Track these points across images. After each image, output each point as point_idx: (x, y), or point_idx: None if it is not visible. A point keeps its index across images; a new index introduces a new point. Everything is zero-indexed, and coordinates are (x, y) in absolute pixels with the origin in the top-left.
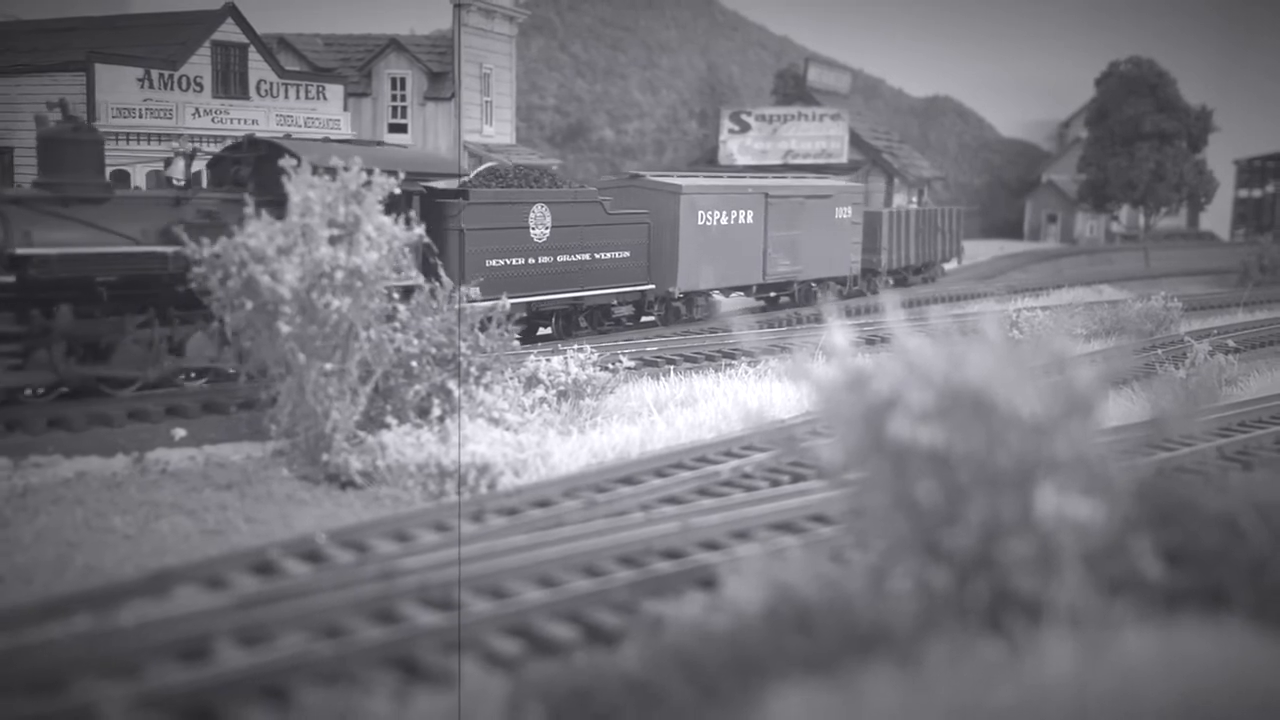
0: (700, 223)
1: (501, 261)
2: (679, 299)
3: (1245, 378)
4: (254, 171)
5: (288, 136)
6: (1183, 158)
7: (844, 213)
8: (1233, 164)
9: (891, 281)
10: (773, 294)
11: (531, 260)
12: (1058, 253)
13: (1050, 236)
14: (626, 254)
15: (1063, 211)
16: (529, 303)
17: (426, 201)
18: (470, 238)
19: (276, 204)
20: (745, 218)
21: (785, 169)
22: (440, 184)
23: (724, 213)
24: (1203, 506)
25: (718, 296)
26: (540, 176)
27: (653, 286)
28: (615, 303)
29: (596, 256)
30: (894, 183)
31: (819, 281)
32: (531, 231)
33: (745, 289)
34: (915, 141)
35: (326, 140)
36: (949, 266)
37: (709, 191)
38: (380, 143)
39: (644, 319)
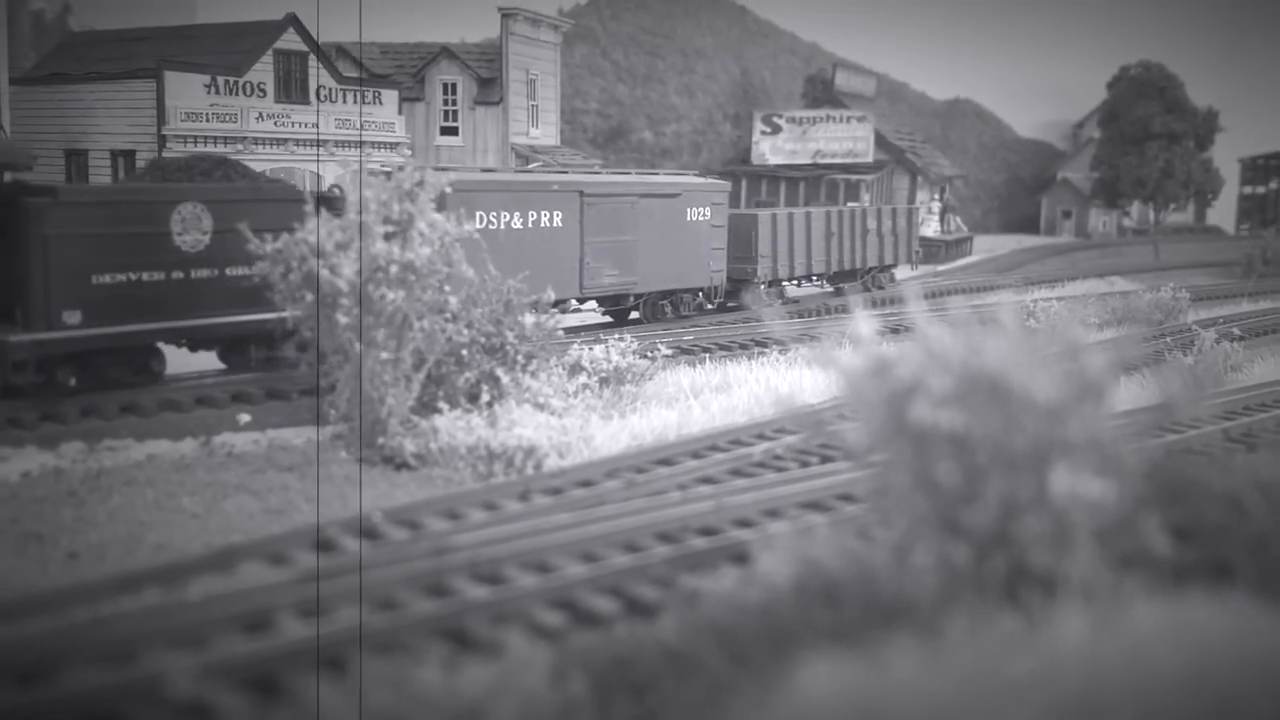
0: (480, 225)
1: (120, 278)
2: None
3: (1249, 364)
4: None
5: None
6: (1190, 156)
7: (699, 214)
8: (1237, 162)
9: (783, 295)
10: (603, 308)
11: (178, 275)
12: (1072, 247)
13: (1065, 231)
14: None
15: (1077, 207)
16: (165, 330)
17: None
18: (62, 247)
19: None
20: (552, 220)
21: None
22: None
23: (517, 214)
24: (1209, 486)
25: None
26: (215, 169)
27: None
28: None
29: None
30: (917, 180)
31: (669, 294)
32: (178, 238)
33: (559, 305)
34: (937, 142)
35: None
36: (912, 272)
37: (492, 188)
38: None
39: None
